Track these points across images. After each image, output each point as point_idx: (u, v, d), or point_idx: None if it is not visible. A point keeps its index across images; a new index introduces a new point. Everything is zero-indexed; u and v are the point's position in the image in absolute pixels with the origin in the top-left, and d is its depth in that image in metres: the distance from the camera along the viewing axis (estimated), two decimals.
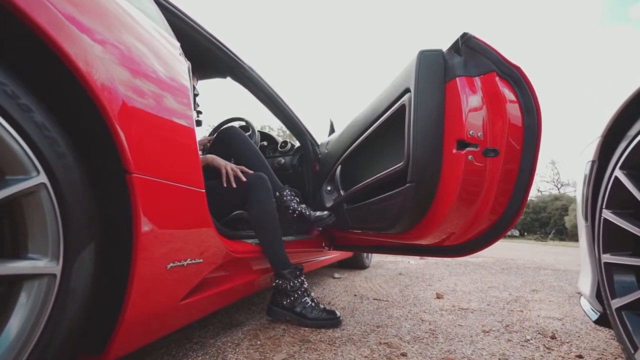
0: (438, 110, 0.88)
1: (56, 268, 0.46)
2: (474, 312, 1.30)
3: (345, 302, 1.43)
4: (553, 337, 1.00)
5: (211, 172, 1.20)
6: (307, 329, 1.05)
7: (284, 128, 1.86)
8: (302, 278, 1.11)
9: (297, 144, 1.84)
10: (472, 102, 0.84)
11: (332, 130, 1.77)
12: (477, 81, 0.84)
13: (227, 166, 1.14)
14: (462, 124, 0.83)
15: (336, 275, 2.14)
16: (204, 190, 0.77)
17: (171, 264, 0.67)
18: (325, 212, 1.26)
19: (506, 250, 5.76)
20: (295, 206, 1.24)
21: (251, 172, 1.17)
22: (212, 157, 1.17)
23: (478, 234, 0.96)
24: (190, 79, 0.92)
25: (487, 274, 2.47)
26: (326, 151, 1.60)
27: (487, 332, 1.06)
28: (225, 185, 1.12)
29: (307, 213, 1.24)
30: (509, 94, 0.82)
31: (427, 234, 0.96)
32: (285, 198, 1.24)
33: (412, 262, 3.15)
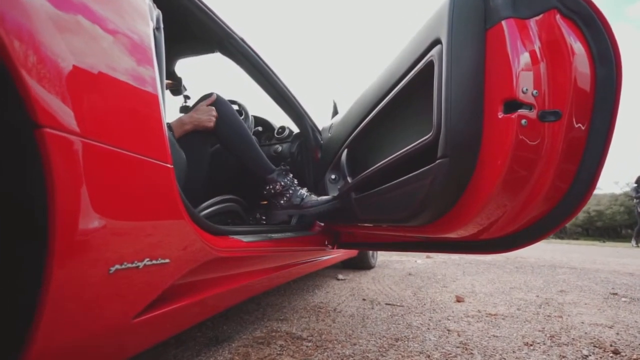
0: (477, 64, 0.68)
1: None
2: (506, 319, 1.11)
3: (354, 308, 1.23)
4: (616, 352, 0.81)
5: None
6: (310, 344, 0.85)
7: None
8: (291, 175, 1.14)
9: (295, 130, 1.64)
10: (524, 50, 0.64)
11: (335, 112, 1.57)
12: (532, 24, 0.65)
13: (206, 115, 1.01)
14: (511, 80, 0.63)
15: (340, 276, 1.94)
16: (171, 166, 0.57)
17: (117, 267, 0.47)
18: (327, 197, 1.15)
19: None
20: (291, 190, 1.12)
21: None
22: (181, 121, 1.00)
23: (525, 226, 0.76)
24: (160, 31, 0.74)
25: (503, 274, 2.29)
26: (329, 135, 1.40)
27: (531, 344, 0.86)
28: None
29: (302, 199, 1.12)
30: (574, 38, 0.63)
31: (460, 224, 0.76)
32: (277, 184, 1.10)
33: (419, 261, 2.96)
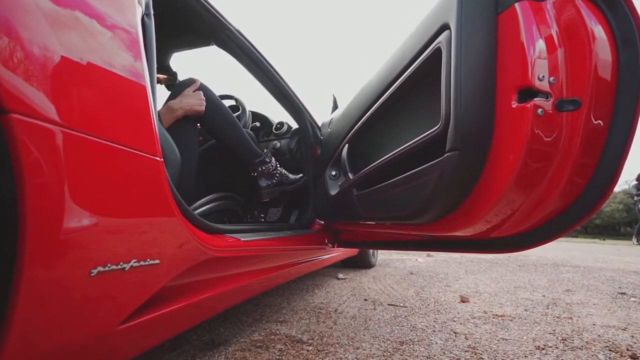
0: (489, 50, 0.64)
1: None
2: (514, 320, 1.07)
3: (356, 309, 1.19)
4: (634, 357, 0.77)
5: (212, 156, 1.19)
6: (310, 348, 0.81)
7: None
8: (274, 157, 1.27)
9: (294, 125, 1.59)
10: (539, 35, 0.60)
11: (335, 107, 1.53)
12: (548, 6, 0.60)
13: (196, 99, 1.00)
14: (526, 66, 0.59)
15: (340, 275, 1.90)
16: (160, 159, 0.53)
17: (99, 269, 0.42)
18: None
19: None
20: (277, 171, 1.25)
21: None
22: (169, 107, 0.96)
23: (538, 224, 0.72)
24: (150, 17, 0.70)
25: (506, 272, 2.25)
26: (329, 130, 1.35)
27: (543, 348, 0.82)
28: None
29: (286, 178, 1.27)
30: (595, 21, 0.58)
31: (470, 222, 0.72)
32: (268, 165, 1.22)
33: (420, 259, 2.92)
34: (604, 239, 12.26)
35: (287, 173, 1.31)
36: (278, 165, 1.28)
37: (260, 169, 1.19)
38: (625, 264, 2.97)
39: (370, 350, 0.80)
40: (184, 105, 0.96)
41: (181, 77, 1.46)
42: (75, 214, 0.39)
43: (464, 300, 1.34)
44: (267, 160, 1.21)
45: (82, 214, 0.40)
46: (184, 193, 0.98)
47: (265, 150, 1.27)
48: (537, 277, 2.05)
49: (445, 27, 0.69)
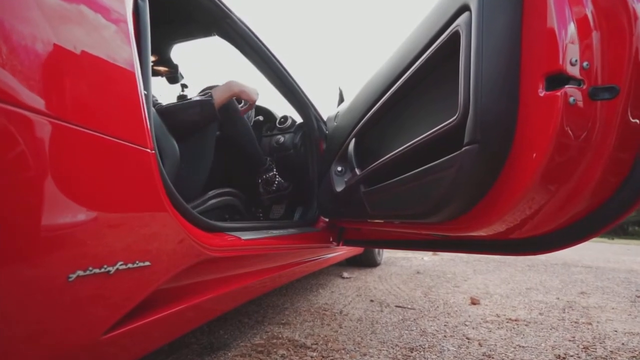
0: (513, 32, 0.58)
1: None
2: (529, 325, 1.01)
3: (362, 311, 1.14)
4: None
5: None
6: (314, 354, 0.77)
7: None
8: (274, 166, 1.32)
9: (299, 119, 1.54)
10: (571, 14, 0.54)
11: (341, 100, 1.47)
12: None
13: (253, 89, 1.11)
14: (556, 50, 0.53)
15: (345, 274, 1.85)
16: (151, 151, 0.48)
17: (79, 273, 0.38)
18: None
19: None
20: (276, 178, 1.29)
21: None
22: (229, 84, 1.06)
23: (565, 225, 0.66)
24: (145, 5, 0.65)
25: (515, 272, 2.18)
26: (335, 124, 1.30)
27: (564, 357, 0.77)
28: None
29: (282, 185, 1.31)
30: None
31: (488, 222, 0.66)
32: (271, 173, 1.27)
33: (426, 258, 2.87)
34: (612, 238, 12.08)
35: (282, 180, 1.37)
36: (277, 175, 1.35)
37: (264, 177, 1.26)
38: (639, 264, 2.88)
39: (378, 358, 0.75)
40: (244, 87, 1.07)
41: (182, 70, 1.41)
42: (51, 211, 0.35)
43: (474, 302, 1.28)
44: (270, 168, 1.28)
45: (59, 211, 0.35)
46: (195, 185, 0.98)
47: (268, 159, 1.31)
48: (549, 278, 1.99)
49: (464, 8, 0.62)
